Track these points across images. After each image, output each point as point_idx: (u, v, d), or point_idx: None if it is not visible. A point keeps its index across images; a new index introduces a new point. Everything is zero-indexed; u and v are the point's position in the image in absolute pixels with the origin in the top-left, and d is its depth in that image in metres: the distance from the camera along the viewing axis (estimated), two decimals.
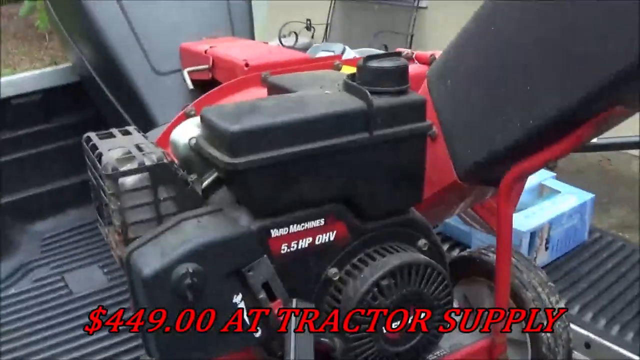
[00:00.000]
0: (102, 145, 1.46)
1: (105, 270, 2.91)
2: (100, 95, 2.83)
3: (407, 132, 1.47)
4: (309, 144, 1.35)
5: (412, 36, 8.28)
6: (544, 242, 2.97)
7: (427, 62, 2.13)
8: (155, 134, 2.14)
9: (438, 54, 2.17)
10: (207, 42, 2.57)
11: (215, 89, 1.88)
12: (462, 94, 1.70)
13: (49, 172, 3.32)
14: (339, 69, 2.00)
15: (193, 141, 1.46)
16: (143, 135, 1.53)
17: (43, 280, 2.88)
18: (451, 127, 1.73)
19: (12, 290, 2.83)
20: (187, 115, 1.82)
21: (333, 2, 9.27)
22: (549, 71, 1.43)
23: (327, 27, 9.21)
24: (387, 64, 1.46)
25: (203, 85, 2.28)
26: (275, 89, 1.68)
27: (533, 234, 2.91)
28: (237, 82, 1.89)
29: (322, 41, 9.05)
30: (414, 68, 2.08)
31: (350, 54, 3.22)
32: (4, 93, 3.17)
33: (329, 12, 9.23)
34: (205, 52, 2.34)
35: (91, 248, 3.10)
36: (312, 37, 9.03)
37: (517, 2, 1.51)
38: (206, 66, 2.29)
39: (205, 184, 1.47)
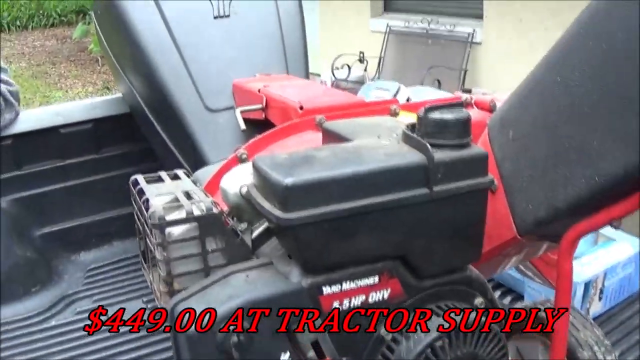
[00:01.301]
0: (150, 190, 1.41)
1: (149, 305, 2.86)
2: (150, 128, 2.81)
3: (468, 188, 1.39)
4: (366, 199, 1.28)
5: (465, 71, 8.20)
6: (598, 292, 2.87)
7: (488, 108, 2.05)
8: (205, 173, 2.10)
9: (498, 99, 2.11)
10: (261, 79, 2.53)
11: (269, 132, 1.83)
12: (524, 146, 1.62)
13: (95, 202, 3.31)
14: (396, 114, 1.94)
15: (244, 189, 1.40)
16: (192, 181, 1.47)
17: (85, 314, 2.84)
18: (512, 181, 1.65)
19: (53, 322, 2.79)
20: (239, 159, 1.76)
21: (386, 35, 9.23)
22: (618, 127, 1.36)
23: (380, 61, 9.17)
24: (449, 115, 1.38)
25: (256, 125, 2.24)
26: (330, 136, 1.62)
27: (587, 284, 2.81)
28: (291, 125, 1.84)
29: (375, 74, 9.02)
30: (474, 115, 2.01)
31: (404, 92, 3.16)
32: (54, 122, 3.17)
33: (382, 45, 9.20)
34: (259, 91, 2.30)
35: (135, 282, 3.06)
36: (365, 70, 9.00)
37: (586, 54, 1.43)
38: (259, 106, 2.24)
39: (255, 234, 1.41)
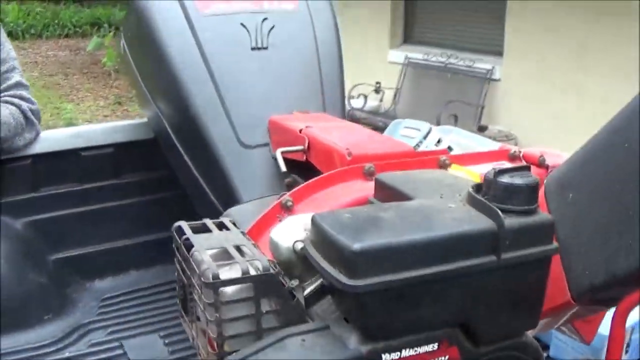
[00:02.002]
0: (198, 242, 1.32)
1: (166, 341, 2.76)
2: (177, 156, 2.72)
3: (535, 256, 1.32)
4: (435, 266, 1.21)
5: (482, 108, 8.16)
6: (625, 345, 2.80)
7: (536, 162, 1.98)
8: (240, 213, 2.02)
9: (547, 153, 2.04)
10: (298, 117, 2.45)
11: (315, 179, 1.74)
12: (585, 210, 1.55)
13: (113, 229, 3.21)
14: (446, 165, 1.86)
15: (299, 246, 1.32)
16: (242, 233, 1.39)
17: (100, 346, 2.73)
18: (569, 244, 1.58)
19: (67, 354, 2.69)
20: (283, 206, 1.68)
21: (404, 67, 9.20)
22: None
23: (396, 92, 9.13)
24: (519, 180, 1.32)
25: (293, 165, 2.15)
26: (385, 189, 1.54)
27: None
28: (339, 173, 1.75)
29: (391, 105, 8.97)
30: None
31: (435, 134, 3.08)
32: (74, 144, 3.09)
33: (400, 77, 9.17)
34: (301, 131, 2.21)
35: (152, 314, 2.96)
36: (381, 100, 8.97)
37: None
38: (301, 147, 2.15)
39: (307, 292, 1.33)
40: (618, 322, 1.49)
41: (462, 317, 1.32)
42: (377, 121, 8.11)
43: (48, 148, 3.01)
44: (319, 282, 1.34)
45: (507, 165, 1.97)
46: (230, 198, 2.37)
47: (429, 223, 1.28)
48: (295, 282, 1.33)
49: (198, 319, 1.34)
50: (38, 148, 2.98)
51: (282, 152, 2.15)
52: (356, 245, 1.15)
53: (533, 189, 1.33)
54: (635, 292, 1.46)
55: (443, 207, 1.35)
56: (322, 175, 1.75)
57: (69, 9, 20.44)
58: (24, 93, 2.86)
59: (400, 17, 9.83)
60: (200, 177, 2.57)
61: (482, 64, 8.33)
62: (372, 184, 1.71)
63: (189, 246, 1.35)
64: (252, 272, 1.21)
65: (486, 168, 1.90)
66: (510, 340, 1.43)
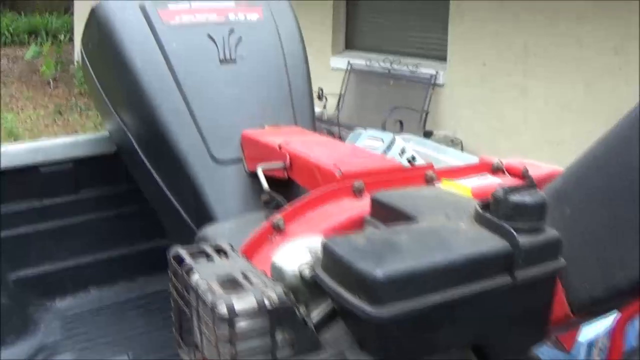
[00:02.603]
0: (202, 270, 1.27)
1: None
2: (142, 171, 2.65)
3: (546, 272, 1.32)
4: (454, 289, 1.19)
5: (427, 113, 8.20)
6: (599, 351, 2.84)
7: (520, 174, 1.97)
8: (217, 232, 1.98)
9: (528, 164, 2.03)
10: (272, 131, 2.40)
11: (305, 199, 1.69)
12: (582, 223, 1.55)
13: (73, 246, 3.13)
14: (433, 180, 1.83)
15: (306, 271, 1.28)
16: (246, 260, 1.34)
17: None
18: (567, 257, 1.57)
19: None
20: (275, 227, 1.63)
21: (347, 73, 9.19)
22: None
23: (339, 98, 9.11)
24: (528, 198, 1.30)
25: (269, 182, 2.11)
26: (384, 209, 1.50)
27: (590, 345, 2.76)
28: (330, 192, 1.71)
29: (335, 112, 8.95)
30: (507, 182, 1.93)
31: (399, 143, 3.07)
32: (33, 159, 2.99)
33: (343, 83, 9.15)
34: (280, 147, 2.16)
35: (119, 334, 2.89)
36: (324, 107, 8.93)
37: None
38: (282, 164, 2.11)
39: (316, 318, 1.29)
40: (618, 334, 1.49)
41: (476, 337, 1.31)
42: (321, 128, 8.09)
43: (5, 163, 2.92)
44: (329, 308, 1.30)
45: (490, 177, 1.96)
46: (203, 215, 2.32)
47: (445, 245, 1.26)
48: (302, 309, 1.29)
49: (197, 347, 1.29)
50: None
51: (263, 169, 2.09)
52: (379, 272, 1.12)
53: (542, 206, 1.32)
54: (635, 302, 1.45)
55: (455, 227, 1.33)
56: (311, 194, 1.71)
57: (5, 17, 20.07)
58: None
59: (341, 23, 9.83)
60: (170, 193, 2.51)
61: (426, 69, 8.36)
62: (363, 202, 1.67)
63: (189, 273, 1.30)
64: (267, 303, 1.16)
65: (472, 181, 1.89)
66: (519, 356, 1.42)
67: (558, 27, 6.87)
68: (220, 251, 1.38)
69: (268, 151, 2.22)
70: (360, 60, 9.17)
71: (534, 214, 1.31)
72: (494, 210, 1.33)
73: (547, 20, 6.98)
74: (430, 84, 8.27)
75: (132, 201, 3.10)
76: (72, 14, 16.58)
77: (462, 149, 7.28)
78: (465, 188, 1.79)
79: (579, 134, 6.21)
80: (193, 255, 1.35)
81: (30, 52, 15.85)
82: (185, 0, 2.72)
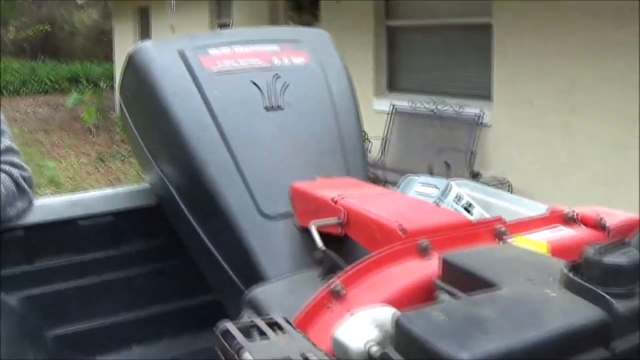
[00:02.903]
0: (256, 350, 1.11)
1: None
2: (185, 225, 2.50)
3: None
4: None
5: (473, 154, 8.04)
6: None
7: (594, 224, 1.80)
8: (268, 296, 1.83)
9: (602, 212, 1.86)
10: (324, 184, 2.24)
11: (366, 260, 1.53)
12: None
13: (114, 302, 2.98)
14: (503, 235, 1.67)
15: (375, 350, 1.12)
16: (304, 337, 1.18)
17: None
18: None
19: None
20: (334, 293, 1.47)
21: (391, 116, 9.07)
22: None
23: (383, 141, 8.98)
24: (623, 259, 1.14)
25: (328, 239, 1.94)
26: (457, 272, 1.34)
27: None
28: (393, 252, 1.55)
29: (379, 155, 8.82)
30: (582, 233, 1.76)
31: (454, 190, 2.89)
32: (71, 213, 2.87)
33: (386, 125, 9.03)
34: (335, 202, 2.00)
35: None
36: (369, 150, 8.80)
37: None
38: (337, 220, 1.95)
39: None
40: None
41: None
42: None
43: (43, 217, 2.78)
44: None
45: (564, 228, 1.80)
46: (251, 273, 2.16)
47: (537, 319, 1.10)
48: None
49: None
50: (32, 217, 2.75)
51: (317, 226, 1.93)
52: (464, 356, 0.96)
53: (638, 267, 1.17)
54: None
55: (542, 296, 1.17)
56: (372, 256, 1.55)
57: (46, 65, 20.38)
58: (14, 159, 2.64)
59: (383, 65, 9.75)
60: (215, 249, 2.35)
61: (471, 109, 8.22)
62: (429, 263, 1.51)
63: (240, 353, 1.14)
64: None
65: (547, 235, 1.72)
66: None
67: (605, 62, 6.68)
68: (274, 325, 1.22)
69: (321, 205, 2.05)
70: (403, 102, 9.07)
71: (631, 277, 1.16)
72: (584, 274, 1.17)
73: (593, 55, 6.80)
74: (476, 123, 8.12)
75: (175, 256, 2.96)
76: (113, 61, 16.74)
77: (510, 190, 7.10)
78: (541, 244, 1.62)
79: (629, 172, 6.01)
80: (244, 331, 1.19)
81: (71, 99, 16.03)
82: (226, 45, 2.59)
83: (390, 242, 1.61)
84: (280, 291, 1.96)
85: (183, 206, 2.49)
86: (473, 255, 1.39)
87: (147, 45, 2.66)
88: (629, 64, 6.41)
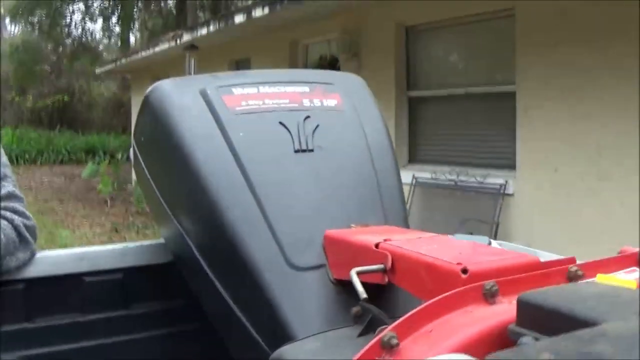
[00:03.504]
0: None
1: None
2: (204, 283, 2.25)
3: None
4: None
5: (497, 224, 7.81)
6: None
7: None
8: (300, 355, 1.57)
9: None
10: (362, 231, 2.01)
11: (423, 306, 1.29)
12: None
13: None
14: (578, 277, 1.42)
15: None
16: None
17: None
18: None
19: None
20: (385, 345, 1.22)
21: (412, 187, 8.90)
22: None
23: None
24: None
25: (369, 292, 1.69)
26: (542, 314, 1.08)
27: None
28: (453, 296, 1.30)
29: None
30: None
31: (493, 244, 2.65)
32: (77, 267, 2.62)
33: (408, 197, 8.84)
34: (377, 246, 1.76)
35: None
36: None
37: None
38: (381, 266, 1.70)
39: None
40: None
41: None
42: None
43: (45, 271, 2.55)
44: None
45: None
46: (278, 333, 1.91)
47: None
48: None
49: None
50: (33, 271, 2.51)
51: (358, 273, 1.67)
52: None
53: None
54: None
55: None
56: (430, 301, 1.30)
57: (63, 135, 20.46)
58: (17, 206, 2.42)
59: (405, 136, 9.60)
60: (237, 307, 2.10)
61: (494, 178, 8.02)
62: (497, 309, 1.27)
63: None
64: None
65: (630, 276, 1.50)
66: None
67: (631, 123, 6.47)
68: None
69: (361, 252, 1.80)
70: (425, 173, 8.92)
71: None
72: None
73: (620, 119, 6.60)
74: (500, 193, 7.93)
75: (190, 318, 2.70)
76: (130, 133, 16.75)
77: None
78: (630, 282, 1.38)
79: None
80: None
81: (87, 170, 16.00)
82: (252, 85, 2.39)
83: (448, 287, 1.36)
84: (311, 351, 1.72)
85: (201, 260, 2.24)
86: (557, 293, 1.14)
87: (165, 83, 2.45)
88: None
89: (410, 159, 9.62)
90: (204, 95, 2.29)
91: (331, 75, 2.72)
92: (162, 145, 2.35)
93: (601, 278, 1.41)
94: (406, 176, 9.05)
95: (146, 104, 2.43)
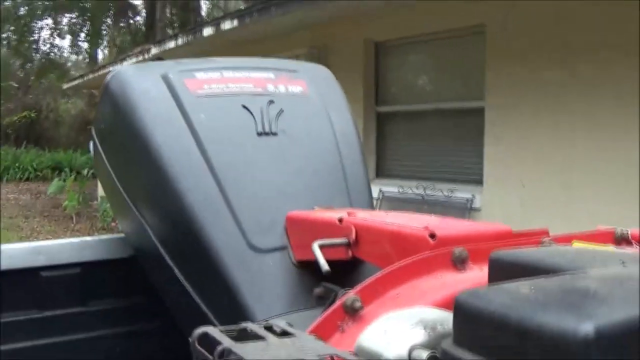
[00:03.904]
0: (252, 353, 0.79)
1: None
2: (165, 275, 2.18)
3: None
4: None
5: None
6: None
7: None
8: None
9: None
10: (327, 211, 1.94)
11: (388, 271, 1.21)
12: None
13: None
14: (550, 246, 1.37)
15: (422, 355, 0.79)
16: (315, 337, 0.86)
17: None
18: None
19: None
20: (348, 308, 1.14)
21: (379, 202, 8.85)
22: None
23: None
24: None
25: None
26: (517, 271, 1.01)
27: None
28: (420, 261, 1.22)
29: None
30: None
31: None
32: (33, 261, 2.52)
33: (376, 207, 8.77)
34: (341, 220, 1.69)
35: None
36: None
37: None
38: (345, 239, 1.62)
39: None
40: None
41: None
42: None
43: (2, 265, 2.44)
44: None
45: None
46: (238, 319, 1.83)
47: None
48: None
49: None
50: None
51: (321, 246, 1.59)
52: (586, 328, 0.64)
53: None
54: None
55: None
56: (397, 264, 1.23)
57: (29, 152, 20.28)
58: None
59: (372, 151, 9.55)
60: (198, 297, 2.02)
61: (462, 193, 7.98)
62: (467, 276, 1.20)
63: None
64: None
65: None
66: None
67: (599, 139, 6.46)
68: (271, 329, 0.89)
69: (324, 228, 1.74)
70: (392, 187, 8.87)
71: None
72: None
73: (587, 132, 6.59)
74: (467, 208, 7.87)
75: (151, 315, 2.62)
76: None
77: None
78: (607, 246, 1.33)
79: None
80: (232, 336, 0.87)
81: (53, 186, 15.83)
82: (216, 69, 2.32)
83: (416, 252, 1.29)
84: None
85: (162, 249, 2.17)
86: (532, 251, 1.07)
87: (125, 69, 2.38)
88: (628, 143, 6.20)
89: (378, 173, 9.56)
90: (165, 79, 2.23)
91: (297, 64, 2.67)
92: (122, 131, 2.28)
93: (577, 244, 1.35)
94: (373, 190, 8.98)
95: (106, 90, 2.35)
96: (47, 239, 12.06)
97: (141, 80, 2.26)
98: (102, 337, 2.65)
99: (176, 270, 2.10)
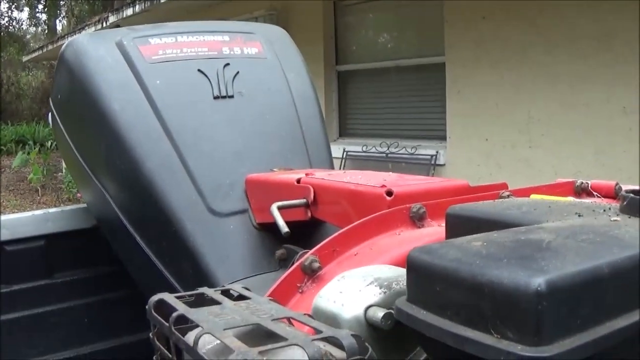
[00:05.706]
0: (204, 319, 0.78)
1: None
2: (127, 243, 2.16)
3: None
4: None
5: None
6: None
7: (612, 193, 1.52)
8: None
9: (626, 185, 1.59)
10: (285, 172, 1.93)
11: (346, 230, 1.21)
12: None
13: (47, 340, 2.59)
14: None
15: (378, 314, 0.79)
16: (271, 300, 0.85)
17: None
18: None
19: None
20: (307, 269, 1.14)
21: (343, 161, 8.84)
22: None
23: None
24: None
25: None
26: (474, 225, 1.01)
27: None
28: (376, 219, 1.22)
29: None
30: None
31: None
32: None
33: (340, 166, 8.77)
34: (299, 181, 1.68)
35: None
36: None
37: None
38: (303, 200, 1.62)
39: None
40: None
41: None
42: None
43: None
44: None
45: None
46: (201, 284, 1.82)
47: (613, 241, 0.79)
48: None
49: None
50: None
51: (279, 207, 1.59)
52: (538, 282, 0.63)
53: None
54: None
55: (607, 222, 0.86)
56: (354, 223, 1.22)
57: None
58: None
59: (334, 111, 9.53)
60: (160, 263, 2.01)
61: (425, 150, 7.99)
62: (425, 232, 1.20)
63: (186, 328, 0.82)
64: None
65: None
66: None
67: (560, 93, 6.49)
68: (227, 294, 0.89)
69: (283, 190, 1.73)
70: (356, 146, 8.84)
71: None
72: None
73: (549, 85, 6.62)
74: (431, 164, 7.89)
75: (117, 285, 2.61)
76: None
77: None
78: (566, 198, 1.33)
79: None
80: (188, 302, 0.86)
81: (17, 160, 15.68)
82: (170, 35, 2.29)
83: (373, 212, 1.28)
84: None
85: (125, 220, 2.15)
86: (488, 205, 1.07)
87: (79, 37, 2.35)
88: (587, 90, 6.25)
89: (341, 133, 9.55)
90: (120, 46, 2.21)
91: (252, 26, 2.66)
92: (79, 100, 2.25)
93: (535, 197, 1.36)
94: (337, 150, 8.97)
95: (62, 60, 2.32)
96: (13, 212, 11.98)
97: (96, 48, 2.23)
98: (69, 308, 2.64)
99: (138, 238, 2.09)
